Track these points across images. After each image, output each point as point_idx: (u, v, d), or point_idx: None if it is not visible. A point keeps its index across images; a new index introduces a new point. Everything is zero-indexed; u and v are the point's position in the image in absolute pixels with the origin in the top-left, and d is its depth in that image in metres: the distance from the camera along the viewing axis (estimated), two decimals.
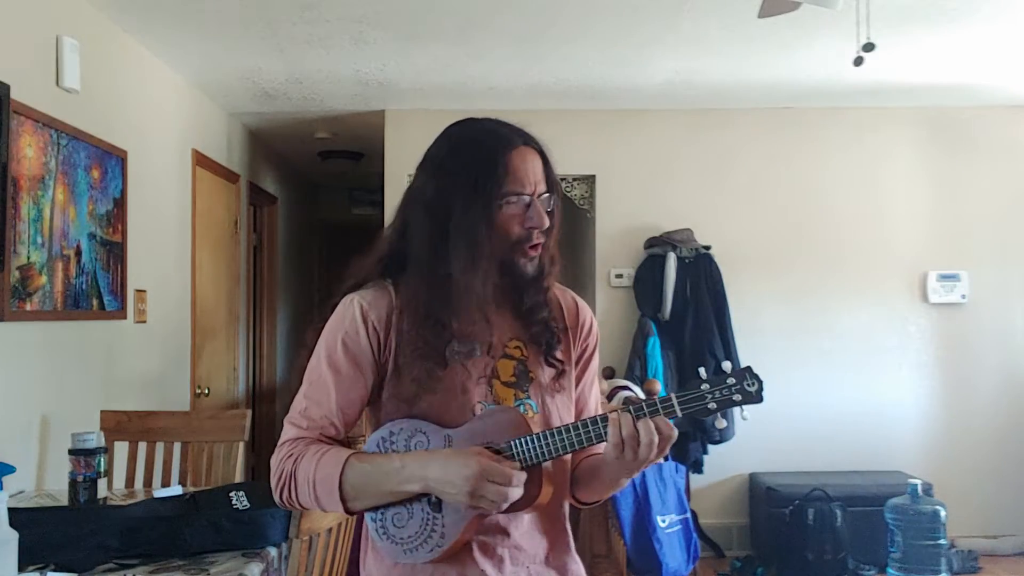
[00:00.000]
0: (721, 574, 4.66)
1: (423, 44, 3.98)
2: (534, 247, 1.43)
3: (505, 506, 1.31)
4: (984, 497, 5.06)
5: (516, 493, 1.31)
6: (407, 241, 1.45)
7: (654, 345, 4.74)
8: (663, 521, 3.58)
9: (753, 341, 5.00)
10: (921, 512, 4.26)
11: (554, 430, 1.34)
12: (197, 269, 4.61)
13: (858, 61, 2.87)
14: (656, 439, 1.31)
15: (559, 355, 1.49)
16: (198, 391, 4.62)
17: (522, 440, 1.34)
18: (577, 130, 5.11)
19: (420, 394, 1.39)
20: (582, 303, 1.59)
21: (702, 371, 1.36)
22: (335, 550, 2.15)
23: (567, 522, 1.52)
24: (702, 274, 4.90)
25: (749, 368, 1.35)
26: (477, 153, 1.41)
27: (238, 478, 3.07)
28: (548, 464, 1.36)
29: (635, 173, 5.17)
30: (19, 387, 2.88)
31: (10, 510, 1.76)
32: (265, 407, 6.16)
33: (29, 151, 2.88)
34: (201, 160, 4.72)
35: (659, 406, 1.33)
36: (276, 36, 3.83)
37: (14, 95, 2.76)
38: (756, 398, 1.34)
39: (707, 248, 4.97)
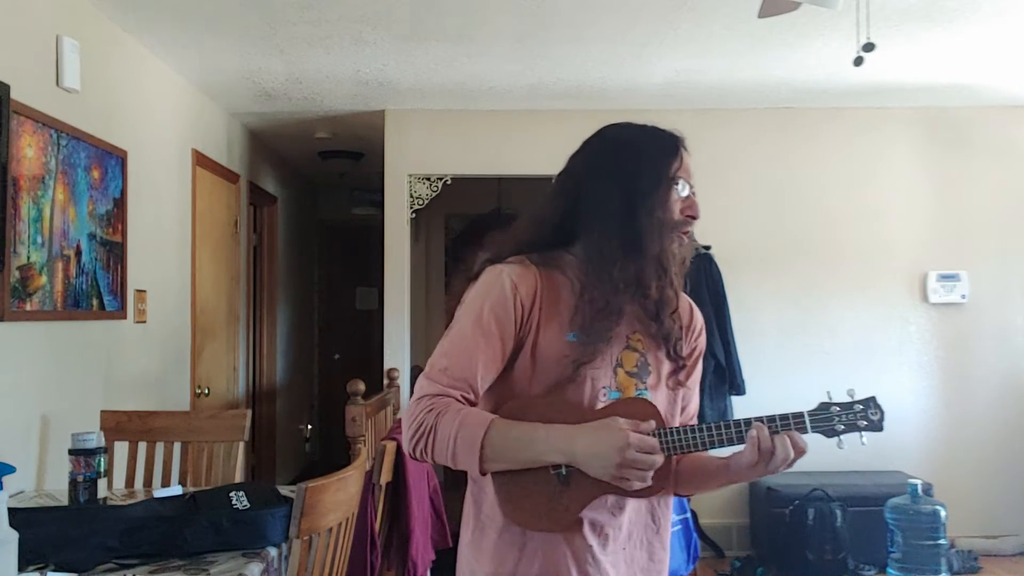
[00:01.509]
0: (721, 574, 4.66)
1: (423, 44, 3.98)
2: (686, 232, 1.56)
3: (650, 480, 1.36)
4: (984, 497, 5.06)
5: (659, 460, 1.36)
6: (575, 217, 1.52)
7: None
8: None
9: (753, 341, 5.00)
10: (921, 512, 4.26)
11: (694, 426, 1.42)
12: (197, 269, 4.61)
13: (858, 61, 2.87)
14: (791, 455, 1.40)
15: (680, 351, 1.56)
16: (198, 391, 4.62)
17: (664, 431, 1.41)
18: (577, 130, 5.08)
19: (580, 361, 1.44)
20: (695, 306, 1.69)
21: (830, 393, 1.47)
22: (335, 550, 2.15)
23: (665, 511, 1.59)
24: (702, 274, 4.90)
25: (874, 398, 1.46)
26: (656, 133, 1.60)
27: (238, 478, 3.06)
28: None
29: None
30: (19, 387, 2.88)
31: (10, 510, 1.76)
32: (265, 407, 6.16)
33: (29, 151, 2.88)
34: (201, 160, 4.72)
35: (791, 421, 1.43)
36: (276, 36, 3.83)
37: (14, 95, 2.76)
38: (878, 427, 1.44)
39: (707, 248, 4.97)
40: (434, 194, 5.26)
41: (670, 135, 1.60)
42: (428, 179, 5.23)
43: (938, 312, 5.16)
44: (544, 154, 5.11)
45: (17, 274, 2.80)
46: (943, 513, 4.27)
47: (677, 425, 1.55)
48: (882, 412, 1.44)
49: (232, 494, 2.27)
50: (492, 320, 1.45)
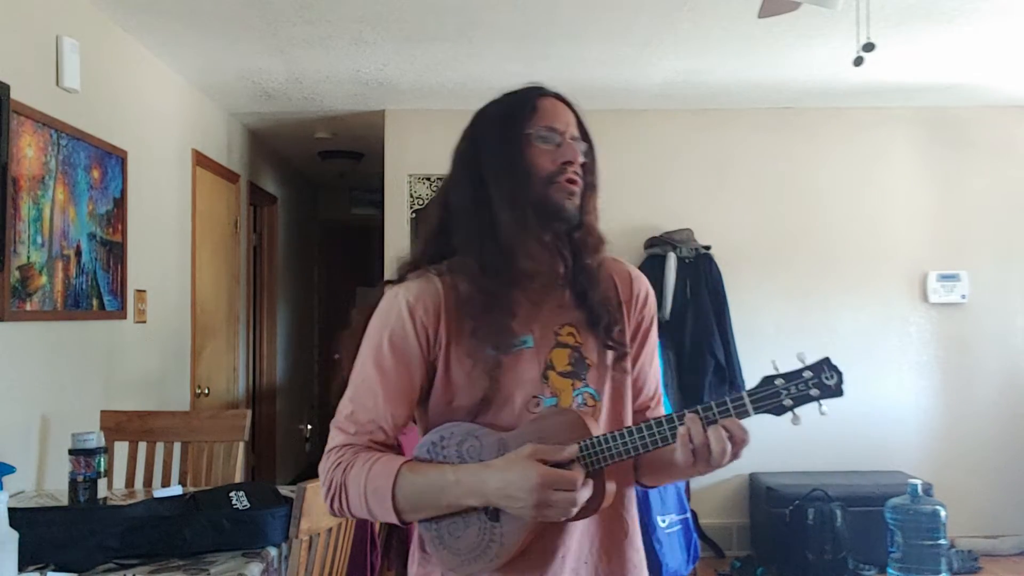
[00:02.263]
0: (721, 574, 4.66)
1: (423, 44, 3.98)
2: (571, 181, 1.35)
3: (574, 512, 1.23)
4: (984, 497, 5.06)
5: (585, 496, 1.23)
6: (450, 213, 1.40)
7: None
8: (663, 521, 3.58)
9: (753, 341, 5.00)
10: (921, 512, 4.26)
11: (617, 433, 1.26)
12: (197, 269, 4.61)
13: (858, 61, 2.87)
14: (728, 447, 1.23)
15: (616, 335, 1.39)
16: (198, 391, 4.62)
17: (590, 443, 1.25)
18: None
19: (487, 386, 1.32)
20: (637, 274, 1.49)
21: (775, 363, 1.26)
22: (335, 550, 2.15)
23: (627, 510, 1.44)
24: (702, 274, 4.90)
25: (827, 360, 1.27)
26: (508, 99, 1.42)
27: (238, 478, 3.07)
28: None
29: (635, 173, 5.17)
30: (19, 387, 2.88)
31: (10, 510, 1.76)
32: (265, 407, 6.16)
33: (29, 151, 2.88)
34: (201, 160, 4.72)
35: (730, 406, 1.24)
36: (276, 36, 3.83)
37: (14, 95, 2.76)
38: (835, 391, 1.25)
39: (707, 248, 4.97)
40: (434, 194, 5.26)
41: (523, 90, 1.42)
42: (428, 179, 5.23)
43: (938, 312, 5.16)
44: None
45: (17, 274, 2.80)
46: (943, 513, 4.27)
47: (629, 423, 1.41)
48: (839, 374, 1.25)
49: (232, 494, 2.27)
50: (391, 351, 1.33)
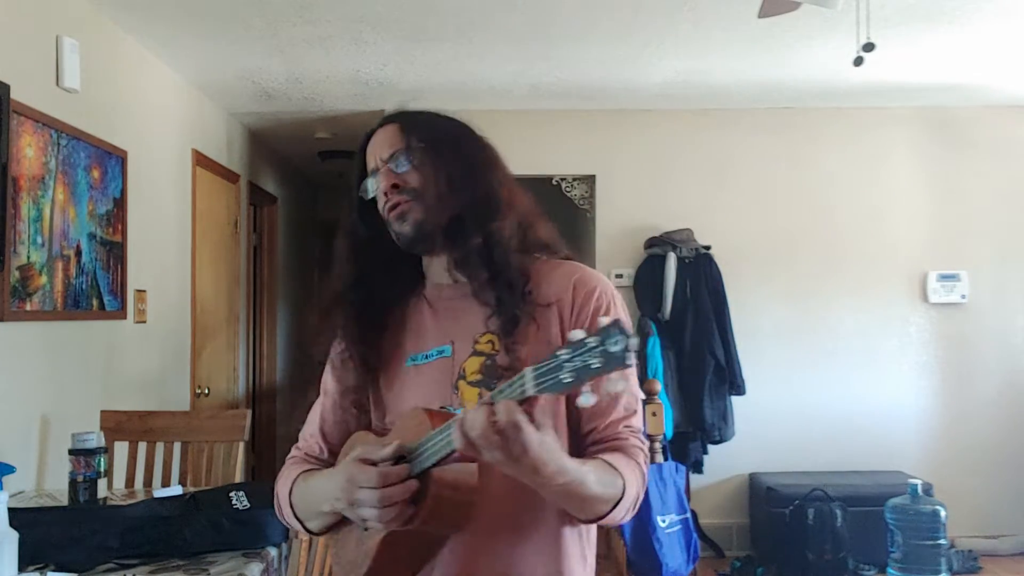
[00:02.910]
0: (721, 574, 4.66)
1: (423, 44, 3.98)
2: (391, 209, 1.32)
3: (387, 516, 1.12)
4: (984, 497, 5.06)
5: (397, 494, 1.12)
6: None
7: (654, 345, 4.74)
8: (663, 521, 3.58)
9: (753, 341, 5.00)
10: (921, 512, 4.26)
11: (438, 430, 1.12)
12: (197, 269, 4.61)
13: (858, 61, 2.87)
14: (494, 437, 1.02)
15: (518, 339, 1.27)
16: (198, 391, 4.62)
17: (414, 446, 1.16)
18: (577, 130, 5.11)
19: (379, 405, 1.36)
20: (583, 278, 1.33)
21: (577, 333, 1.00)
22: None
23: (557, 543, 1.29)
24: (702, 274, 4.90)
25: (616, 322, 0.97)
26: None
27: (238, 478, 3.06)
28: (455, 473, 1.14)
29: (635, 173, 5.17)
30: (19, 387, 2.88)
31: (10, 510, 1.76)
32: (265, 407, 6.16)
33: (29, 151, 2.88)
34: (201, 160, 4.72)
35: (513, 388, 1.04)
36: (276, 36, 3.83)
37: (14, 95, 2.76)
38: (619, 361, 0.95)
39: (707, 248, 4.97)
40: None
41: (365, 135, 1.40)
42: None
43: (938, 312, 5.16)
44: (544, 154, 5.12)
45: (17, 274, 2.80)
46: (943, 513, 4.26)
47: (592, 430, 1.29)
48: (628, 338, 0.94)
49: (232, 494, 2.27)
50: (330, 374, 1.42)
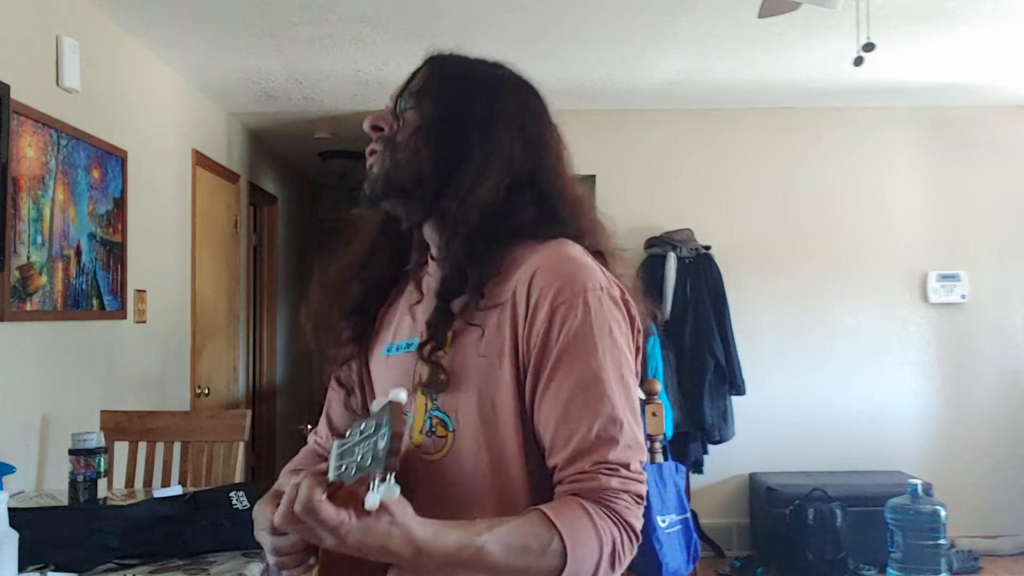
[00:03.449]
0: (721, 574, 4.66)
1: (423, 44, 3.95)
2: (370, 156, 1.15)
3: (284, 564, 1.01)
4: (984, 497, 5.06)
5: (281, 545, 0.99)
6: None
7: (654, 345, 4.74)
8: (663, 521, 3.58)
9: (753, 341, 5.00)
10: (921, 512, 4.26)
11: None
12: (197, 269, 4.61)
13: (858, 61, 2.87)
14: (299, 526, 0.87)
15: (455, 346, 1.05)
16: (198, 391, 4.62)
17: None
18: (577, 130, 5.08)
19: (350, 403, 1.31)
20: (545, 268, 1.05)
21: (379, 404, 0.83)
22: None
23: None
24: (702, 274, 4.90)
25: (390, 404, 0.81)
26: None
27: (238, 478, 3.06)
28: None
29: (635, 173, 5.17)
30: (19, 387, 2.88)
31: (10, 510, 1.76)
32: (265, 407, 6.16)
33: (29, 151, 2.88)
34: (201, 160, 4.72)
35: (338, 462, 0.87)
36: (276, 36, 3.83)
37: (14, 95, 2.76)
38: (379, 464, 0.78)
39: (707, 248, 4.97)
40: None
41: None
42: None
43: (938, 312, 5.16)
44: None
45: (17, 274, 2.80)
46: (943, 513, 4.27)
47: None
48: (388, 431, 0.77)
49: (232, 494, 2.26)
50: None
